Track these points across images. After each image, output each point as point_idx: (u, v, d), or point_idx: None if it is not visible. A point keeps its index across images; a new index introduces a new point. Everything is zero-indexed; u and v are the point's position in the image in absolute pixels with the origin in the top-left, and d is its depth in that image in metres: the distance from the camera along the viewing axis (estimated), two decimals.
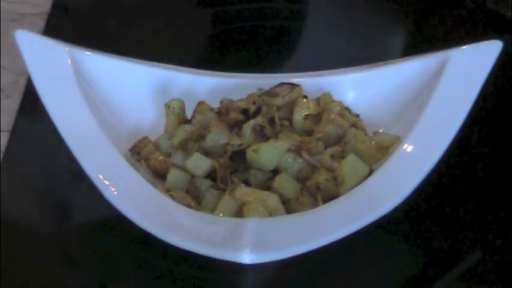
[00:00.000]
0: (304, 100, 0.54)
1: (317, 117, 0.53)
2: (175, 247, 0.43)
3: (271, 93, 0.54)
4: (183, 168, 0.51)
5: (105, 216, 0.49)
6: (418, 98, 0.54)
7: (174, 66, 0.61)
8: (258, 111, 0.53)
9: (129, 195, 0.46)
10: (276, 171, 0.50)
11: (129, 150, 0.53)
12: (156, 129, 0.55)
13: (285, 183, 0.48)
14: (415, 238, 0.50)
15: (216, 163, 0.50)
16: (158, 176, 0.52)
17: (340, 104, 0.54)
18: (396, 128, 0.53)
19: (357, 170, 0.48)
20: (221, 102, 0.56)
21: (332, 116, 0.53)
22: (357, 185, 0.48)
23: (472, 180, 0.55)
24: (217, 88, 0.59)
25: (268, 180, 0.49)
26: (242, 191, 0.47)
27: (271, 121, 0.53)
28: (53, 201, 0.53)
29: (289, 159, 0.49)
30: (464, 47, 0.54)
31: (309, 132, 0.53)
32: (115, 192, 0.46)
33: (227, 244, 0.43)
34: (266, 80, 0.58)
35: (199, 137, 0.52)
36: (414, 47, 0.72)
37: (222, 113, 0.55)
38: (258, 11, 0.77)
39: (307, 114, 0.53)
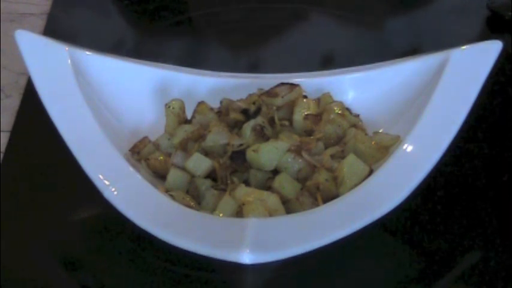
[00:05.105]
0: (304, 100, 0.54)
1: (317, 117, 0.53)
2: (176, 247, 0.43)
3: (271, 93, 0.54)
4: (183, 168, 0.51)
5: (105, 216, 0.49)
6: (418, 98, 0.54)
7: (174, 66, 0.61)
8: (258, 111, 0.53)
9: (129, 195, 0.46)
10: (276, 171, 0.50)
11: (129, 150, 0.53)
12: (156, 129, 0.55)
13: (285, 183, 0.48)
14: (415, 238, 0.50)
15: (216, 163, 0.50)
16: (158, 176, 0.52)
17: (340, 104, 0.54)
18: (396, 128, 0.53)
19: (357, 170, 0.48)
20: (221, 102, 0.56)
21: (332, 116, 0.53)
22: (356, 185, 0.48)
23: (472, 180, 0.55)
24: (217, 88, 0.59)
25: (268, 180, 0.49)
26: (242, 191, 0.47)
27: (271, 121, 0.53)
28: (52, 201, 0.53)
29: (289, 159, 0.49)
30: (464, 47, 0.54)
31: (309, 132, 0.53)
32: (115, 192, 0.46)
33: (227, 244, 0.43)
34: (266, 80, 0.58)
35: (199, 137, 0.52)
36: (414, 47, 0.72)
37: (222, 113, 0.55)
38: (258, 11, 0.77)
39: (307, 114, 0.53)
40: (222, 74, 0.61)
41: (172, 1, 0.81)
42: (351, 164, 0.48)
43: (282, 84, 0.55)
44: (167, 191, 0.49)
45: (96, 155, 0.49)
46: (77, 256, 0.49)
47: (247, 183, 0.50)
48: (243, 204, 0.46)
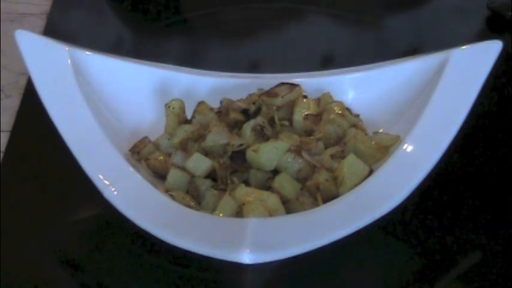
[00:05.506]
0: (304, 100, 0.54)
1: (317, 117, 0.53)
2: (176, 247, 0.43)
3: (271, 93, 0.54)
4: (183, 168, 0.51)
5: (105, 216, 0.49)
6: (418, 98, 0.54)
7: (174, 66, 0.61)
8: (258, 111, 0.53)
9: (129, 195, 0.46)
10: (276, 171, 0.50)
11: (129, 150, 0.53)
12: (156, 129, 0.55)
13: (285, 183, 0.48)
14: (415, 238, 0.50)
15: (216, 163, 0.50)
16: (158, 176, 0.52)
17: (340, 104, 0.54)
18: (396, 128, 0.53)
19: (357, 170, 0.48)
20: (221, 102, 0.56)
21: (332, 116, 0.53)
22: (356, 185, 0.48)
23: (472, 180, 0.55)
24: (217, 88, 0.59)
25: (268, 180, 0.49)
26: (242, 191, 0.47)
27: (271, 121, 0.53)
28: (52, 201, 0.53)
29: (289, 159, 0.49)
30: (464, 47, 0.54)
31: (309, 132, 0.53)
32: (115, 192, 0.46)
33: (227, 244, 0.43)
34: (266, 80, 0.58)
35: (199, 137, 0.52)
36: (414, 47, 0.72)
37: (222, 113, 0.55)
38: (257, 11, 0.78)
39: (307, 114, 0.53)
40: (222, 74, 0.61)
41: (172, 1, 0.81)
42: (351, 164, 0.48)
43: (282, 84, 0.55)
44: (167, 191, 0.49)
45: (96, 155, 0.49)
46: (77, 256, 0.49)
47: (247, 183, 0.50)
48: (243, 204, 0.46)
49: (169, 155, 0.53)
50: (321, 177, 0.48)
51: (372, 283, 0.47)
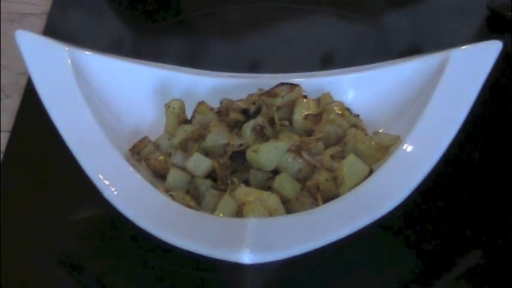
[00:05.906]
0: (304, 100, 0.54)
1: (317, 117, 0.53)
2: (175, 247, 0.43)
3: (271, 93, 0.54)
4: (183, 168, 0.51)
5: (105, 216, 0.49)
6: (418, 98, 0.54)
7: (174, 66, 0.61)
8: (258, 111, 0.53)
9: (129, 195, 0.46)
10: (276, 171, 0.50)
11: (129, 150, 0.53)
12: (156, 129, 0.55)
13: (285, 183, 0.48)
14: (415, 238, 0.50)
15: (216, 163, 0.50)
16: (158, 176, 0.52)
17: (340, 104, 0.54)
18: (396, 128, 0.53)
19: (357, 170, 0.48)
20: (221, 102, 0.56)
21: (332, 116, 0.53)
22: (356, 185, 0.48)
23: (472, 180, 0.55)
24: (217, 88, 0.59)
25: (268, 180, 0.49)
26: (242, 191, 0.47)
27: (271, 121, 0.53)
28: (53, 201, 0.53)
29: (289, 159, 0.49)
30: (464, 47, 0.54)
31: (309, 132, 0.53)
32: (115, 192, 0.46)
33: (227, 244, 0.43)
34: (266, 80, 0.58)
35: (199, 137, 0.52)
36: (414, 47, 0.72)
37: (222, 113, 0.55)
38: (257, 11, 0.78)
39: (307, 114, 0.53)
40: (221, 74, 0.61)
41: (172, 1, 0.81)
42: (351, 164, 0.48)
43: (282, 84, 0.55)
44: (167, 191, 0.49)
45: (96, 155, 0.49)
46: (76, 256, 0.49)
47: (247, 183, 0.50)
48: (243, 204, 0.46)
49: (169, 155, 0.53)
50: (321, 177, 0.48)
51: (372, 283, 0.47)
